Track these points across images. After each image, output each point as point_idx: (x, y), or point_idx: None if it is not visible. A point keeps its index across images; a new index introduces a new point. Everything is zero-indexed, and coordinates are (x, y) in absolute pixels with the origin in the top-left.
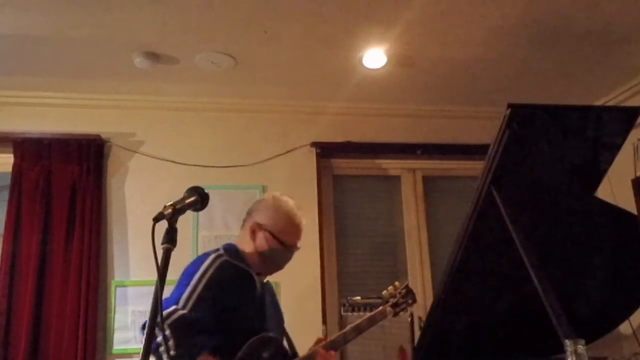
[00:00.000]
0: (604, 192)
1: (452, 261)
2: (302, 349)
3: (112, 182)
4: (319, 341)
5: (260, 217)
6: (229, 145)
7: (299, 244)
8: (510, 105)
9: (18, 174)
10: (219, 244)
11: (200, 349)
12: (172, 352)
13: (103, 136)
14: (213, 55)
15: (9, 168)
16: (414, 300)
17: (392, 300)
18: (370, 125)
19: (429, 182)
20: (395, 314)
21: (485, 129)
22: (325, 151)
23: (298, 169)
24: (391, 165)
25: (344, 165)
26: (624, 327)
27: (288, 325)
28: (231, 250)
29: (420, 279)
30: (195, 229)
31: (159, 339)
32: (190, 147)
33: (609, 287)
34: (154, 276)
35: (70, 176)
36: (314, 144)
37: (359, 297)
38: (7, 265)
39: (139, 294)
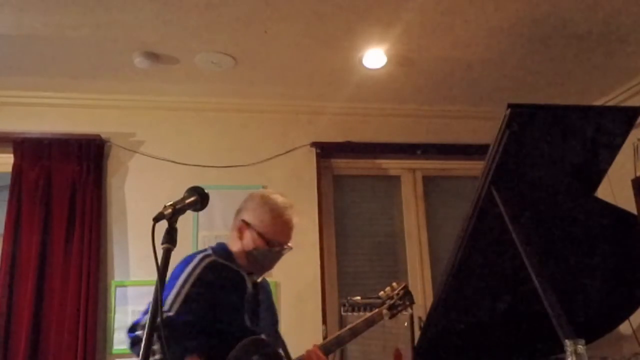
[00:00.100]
0: (604, 192)
1: (452, 261)
2: (301, 350)
3: (112, 182)
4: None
5: (248, 216)
6: (229, 145)
7: (289, 244)
8: (510, 105)
9: (18, 174)
10: None
11: (187, 351)
12: (157, 356)
13: (103, 136)
14: (213, 55)
15: (9, 168)
16: (412, 302)
17: (388, 302)
18: (370, 125)
19: (429, 182)
20: (392, 316)
21: (485, 129)
22: (325, 151)
23: (298, 169)
24: (391, 165)
25: (344, 165)
26: (624, 327)
27: (288, 325)
28: (220, 250)
29: (420, 279)
30: (195, 229)
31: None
32: (190, 147)
33: (609, 287)
34: (154, 276)
35: (70, 176)
36: (314, 144)
37: (359, 297)
38: (7, 265)
39: (139, 294)
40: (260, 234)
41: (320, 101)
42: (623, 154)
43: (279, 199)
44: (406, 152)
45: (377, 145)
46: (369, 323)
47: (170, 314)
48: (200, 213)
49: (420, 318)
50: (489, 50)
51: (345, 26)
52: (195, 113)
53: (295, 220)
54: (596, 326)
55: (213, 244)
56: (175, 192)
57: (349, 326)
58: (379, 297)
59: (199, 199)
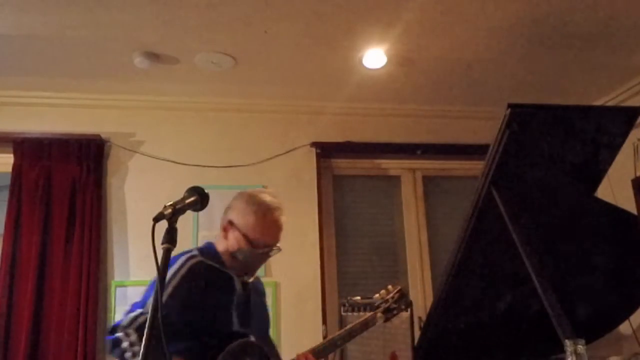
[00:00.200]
0: (604, 192)
1: (452, 261)
2: (301, 349)
3: (112, 182)
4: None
5: (233, 215)
6: (229, 145)
7: (277, 245)
8: (510, 105)
9: (18, 174)
10: None
11: (171, 354)
12: (139, 359)
13: (103, 136)
14: (213, 55)
15: (9, 168)
16: (408, 306)
17: (383, 306)
18: (370, 125)
19: (429, 182)
20: (387, 320)
21: (485, 129)
22: (325, 151)
23: (298, 169)
24: (391, 165)
25: (344, 165)
26: (624, 327)
27: (288, 325)
28: (207, 250)
29: (420, 279)
30: (195, 229)
31: (124, 344)
32: (190, 147)
33: (609, 287)
34: (154, 276)
35: (70, 176)
36: (314, 144)
37: (359, 297)
38: (7, 265)
39: (139, 294)
40: (244, 235)
41: (320, 101)
42: (623, 154)
43: (266, 198)
44: (406, 152)
45: (377, 145)
46: (363, 326)
47: None
48: (200, 213)
49: (420, 318)
50: (489, 50)
51: (345, 26)
52: (195, 113)
53: (283, 221)
54: (596, 326)
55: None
56: (175, 192)
57: (342, 330)
58: (374, 301)
59: (199, 199)
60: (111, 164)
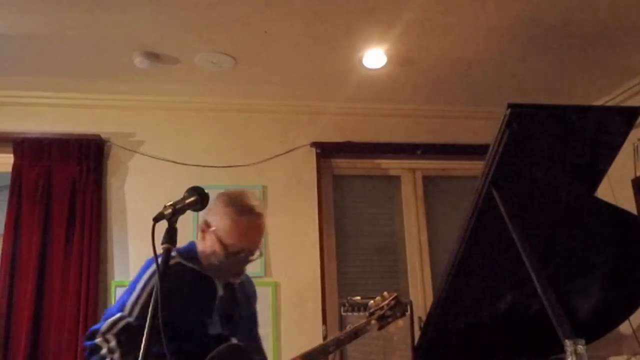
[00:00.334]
0: (604, 192)
1: (452, 261)
2: (301, 349)
3: (112, 182)
4: None
5: (210, 216)
6: (229, 145)
7: (256, 251)
8: (510, 105)
9: (18, 174)
10: None
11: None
12: (116, 355)
13: (103, 136)
14: (213, 55)
15: (9, 168)
16: (403, 314)
17: (378, 313)
18: (370, 125)
19: (429, 182)
20: (381, 327)
21: (485, 129)
22: (325, 151)
23: (298, 169)
24: (391, 165)
25: (344, 165)
26: (624, 327)
27: (288, 325)
28: (187, 251)
29: (420, 279)
30: (195, 229)
31: (104, 351)
32: (190, 147)
33: (609, 287)
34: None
35: (70, 176)
36: (314, 144)
37: (359, 297)
38: (7, 265)
39: None
40: (219, 238)
41: (320, 101)
42: (623, 154)
43: (245, 201)
44: (406, 152)
45: (377, 145)
46: (356, 334)
47: (130, 319)
48: (200, 213)
49: (420, 318)
50: (489, 50)
51: (345, 26)
52: (195, 113)
53: (262, 225)
54: (596, 326)
55: None
56: (175, 192)
57: (334, 336)
58: (370, 306)
59: (199, 199)
60: (111, 164)
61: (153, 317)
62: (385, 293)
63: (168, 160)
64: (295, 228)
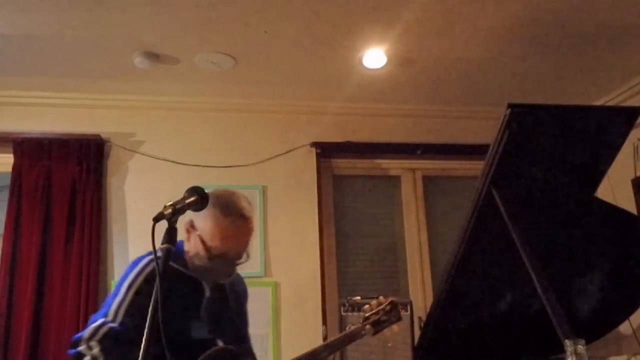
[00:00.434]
0: (604, 192)
1: (452, 261)
2: (301, 350)
3: (112, 182)
4: None
5: (195, 215)
6: (229, 145)
7: (243, 255)
8: (510, 105)
9: (18, 174)
10: None
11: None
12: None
13: (103, 136)
14: (213, 55)
15: (9, 168)
16: (399, 319)
17: (373, 318)
18: (370, 125)
19: (429, 182)
20: (376, 332)
21: (485, 129)
22: (325, 151)
23: (298, 169)
24: (391, 165)
25: (344, 165)
26: (624, 327)
27: (288, 325)
28: (174, 251)
29: (420, 279)
30: None
31: (87, 358)
32: (190, 147)
33: (609, 287)
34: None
35: (70, 176)
36: (314, 144)
37: (359, 297)
38: (7, 265)
39: None
40: (202, 240)
41: (320, 101)
42: (623, 154)
43: (231, 202)
44: (406, 152)
45: (377, 145)
46: (350, 339)
47: (114, 324)
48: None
49: (420, 318)
50: (489, 50)
51: (345, 26)
52: (195, 113)
53: (249, 228)
54: (596, 326)
55: None
56: (175, 192)
57: (327, 341)
58: (365, 310)
59: (199, 199)
60: (111, 164)
61: (153, 317)
62: (381, 297)
63: (168, 160)
64: (295, 228)
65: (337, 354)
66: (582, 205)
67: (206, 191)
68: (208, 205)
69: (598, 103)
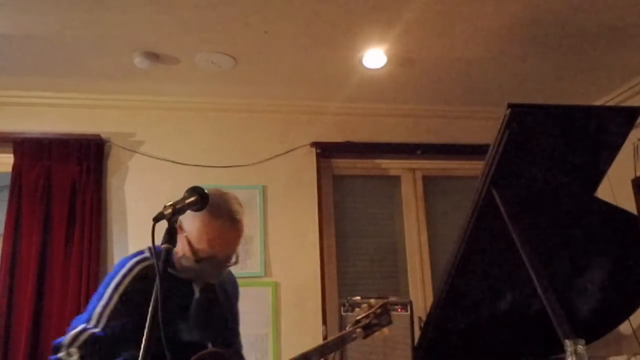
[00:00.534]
0: (604, 192)
1: (452, 261)
2: (301, 350)
3: (112, 182)
4: None
5: (185, 216)
6: (229, 145)
7: (231, 258)
8: (510, 105)
9: (18, 174)
10: None
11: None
12: None
13: (103, 136)
14: (213, 55)
15: (9, 168)
16: (389, 322)
17: (364, 321)
18: (370, 125)
19: (429, 182)
20: (367, 336)
21: (485, 129)
22: (325, 151)
23: (298, 169)
24: (391, 165)
25: (344, 165)
26: (624, 327)
27: (288, 325)
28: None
29: (420, 279)
30: None
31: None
32: (190, 147)
33: (609, 288)
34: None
35: (70, 176)
36: (314, 144)
37: (359, 297)
38: (7, 265)
39: None
40: (188, 241)
41: (320, 101)
42: (623, 154)
43: (221, 203)
44: (406, 152)
45: (377, 145)
46: (341, 342)
47: (96, 330)
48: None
49: (420, 318)
50: (489, 50)
51: (345, 26)
52: (195, 113)
53: (238, 232)
54: (596, 326)
55: None
56: (175, 192)
57: (319, 344)
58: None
59: (199, 199)
60: (111, 164)
61: (153, 317)
62: (371, 300)
63: (168, 160)
64: (295, 228)
65: (337, 353)
66: (582, 205)
67: (206, 191)
68: None
69: (598, 103)
